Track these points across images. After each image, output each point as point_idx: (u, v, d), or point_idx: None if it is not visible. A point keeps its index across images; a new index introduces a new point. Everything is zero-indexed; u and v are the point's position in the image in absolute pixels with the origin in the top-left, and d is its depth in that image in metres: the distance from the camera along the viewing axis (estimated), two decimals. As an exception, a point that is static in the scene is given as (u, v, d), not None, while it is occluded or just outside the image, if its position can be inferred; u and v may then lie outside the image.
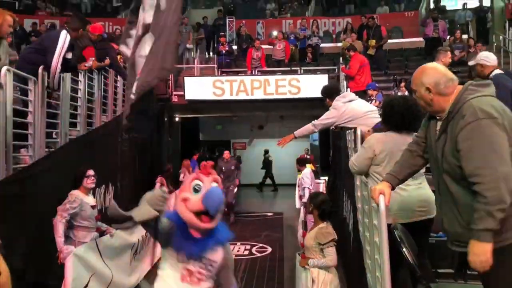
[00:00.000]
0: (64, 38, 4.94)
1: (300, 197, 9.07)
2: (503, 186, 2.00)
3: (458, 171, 2.18)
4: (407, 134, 3.09)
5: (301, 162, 9.54)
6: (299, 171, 9.79)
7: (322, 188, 10.16)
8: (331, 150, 12.89)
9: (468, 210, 2.17)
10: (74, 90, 6.11)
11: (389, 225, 2.91)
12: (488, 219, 2.02)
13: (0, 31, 4.33)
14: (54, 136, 5.57)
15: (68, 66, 5.19)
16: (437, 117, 2.34)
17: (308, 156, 13.67)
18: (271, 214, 12.24)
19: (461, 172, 2.16)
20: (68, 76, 5.70)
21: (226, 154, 10.79)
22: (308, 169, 9.55)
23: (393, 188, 2.52)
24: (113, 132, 7.83)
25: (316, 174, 10.93)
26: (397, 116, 3.14)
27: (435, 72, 2.32)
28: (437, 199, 2.45)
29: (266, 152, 17.53)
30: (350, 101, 4.76)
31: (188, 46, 12.25)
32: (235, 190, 10.90)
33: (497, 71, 4.61)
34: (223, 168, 10.37)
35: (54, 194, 4.82)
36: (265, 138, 18.27)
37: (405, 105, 3.15)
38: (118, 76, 8.16)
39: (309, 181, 8.97)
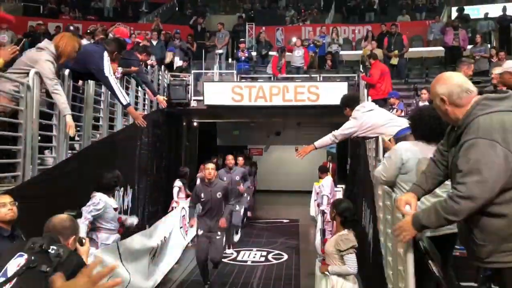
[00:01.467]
0: (107, 61, 4.96)
1: (318, 205, 9.03)
2: (467, 205, 2.08)
3: None
4: (435, 145, 3.06)
5: (322, 170, 9.50)
6: (320, 178, 9.75)
7: (340, 196, 10.12)
8: (349, 159, 12.83)
9: (481, 229, 2.16)
10: (98, 94, 6.20)
11: (413, 237, 2.89)
12: (435, 218, 2.18)
13: (69, 55, 4.44)
14: (77, 138, 5.66)
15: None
16: (456, 128, 2.30)
17: (331, 164, 13.62)
18: (287, 220, 12.21)
19: None
20: (92, 81, 5.79)
21: (229, 159, 8.42)
22: (329, 177, 9.51)
23: (418, 199, 2.49)
24: (133, 135, 7.93)
25: (334, 183, 10.89)
26: (426, 126, 3.10)
27: (450, 82, 2.28)
28: None
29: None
30: (370, 110, 4.73)
31: (218, 51, 12.24)
32: (242, 210, 9.03)
33: None
34: (225, 179, 7.92)
35: (76, 195, 4.89)
36: (282, 144, 18.27)
37: (434, 115, 3.12)
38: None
39: (328, 189, 8.92)
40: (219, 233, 6.23)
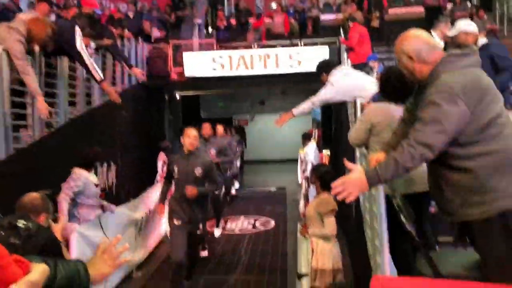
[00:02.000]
0: (79, 36, 4.87)
1: (303, 172, 9.11)
2: (422, 152, 2.07)
3: None
4: (404, 104, 3.06)
5: (306, 137, 9.53)
6: (304, 145, 9.80)
7: (325, 161, 10.21)
8: (333, 125, 12.86)
9: (448, 184, 2.20)
10: (73, 69, 6.07)
11: (389, 196, 2.92)
12: (393, 167, 2.10)
13: (41, 41, 4.33)
14: (54, 116, 5.57)
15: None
16: (421, 86, 2.29)
17: (316, 131, 13.64)
18: (275, 189, 12.31)
19: None
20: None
21: (205, 128, 7.83)
22: (313, 144, 9.56)
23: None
24: (113, 111, 7.82)
25: (319, 149, 10.95)
26: (393, 86, 3.10)
27: (417, 39, 2.27)
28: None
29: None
30: (345, 74, 4.71)
31: (197, 21, 11.92)
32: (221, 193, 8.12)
33: (483, 39, 4.55)
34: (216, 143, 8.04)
35: (55, 172, 4.85)
36: (267, 113, 18.23)
37: (401, 75, 3.11)
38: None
39: (312, 155, 8.98)
40: (200, 226, 5.04)
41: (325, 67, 4.84)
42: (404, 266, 2.97)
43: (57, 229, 2.90)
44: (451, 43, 4.42)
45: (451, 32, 4.46)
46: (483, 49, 4.83)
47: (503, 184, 2.09)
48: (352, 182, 2.13)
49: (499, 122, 2.12)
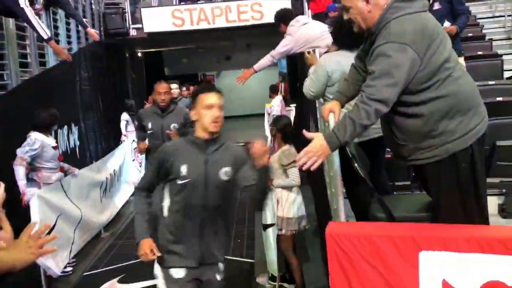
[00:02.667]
0: None
1: (270, 125, 9.13)
2: (377, 107, 2.04)
3: None
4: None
5: (273, 89, 9.48)
6: (271, 98, 9.76)
7: (292, 115, 10.23)
8: (299, 77, 12.82)
9: (400, 130, 2.23)
10: (21, 29, 5.77)
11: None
12: (351, 128, 2.07)
13: None
14: (5, 78, 5.34)
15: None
16: (370, 34, 2.23)
17: (282, 84, 13.59)
18: (242, 143, 12.31)
19: None
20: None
21: (161, 89, 8.32)
22: (279, 97, 9.53)
23: (342, 106, 2.51)
24: (70, 71, 7.55)
25: (286, 102, 10.94)
26: (347, 33, 3.05)
27: None
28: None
29: None
30: (304, 24, 4.65)
31: None
32: None
33: None
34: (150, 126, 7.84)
35: (11, 137, 4.71)
36: (233, 69, 18.00)
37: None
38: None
39: (278, 109, 8.97)
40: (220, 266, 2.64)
41: (283, 18, 4.76)
42: (361, 212, 3.06)
43: None
44: None
45: None
46: None
47: (452, 127, 2.13)
48: (314, 151, 2.11)
49: (448, 67, 2.12)
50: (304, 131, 2.24)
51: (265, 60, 4.84)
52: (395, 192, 3.66)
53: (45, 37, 4.57)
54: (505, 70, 5.70)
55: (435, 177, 2.24)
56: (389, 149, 3.40)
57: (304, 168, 2.13)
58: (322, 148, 2.11)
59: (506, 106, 4.47)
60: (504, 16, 7.47)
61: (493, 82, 5.03)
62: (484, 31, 7.22)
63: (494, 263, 1.96)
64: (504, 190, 3.81)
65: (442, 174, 2.19)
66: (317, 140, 2.13)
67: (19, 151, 4.41)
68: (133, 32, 10.26)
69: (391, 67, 2.03)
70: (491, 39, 6.78)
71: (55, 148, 4.81)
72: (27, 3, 4.44)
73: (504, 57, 5.98)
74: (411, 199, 3.09)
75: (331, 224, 2.39)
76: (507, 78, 5.47)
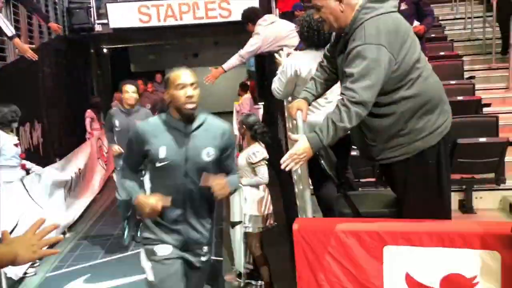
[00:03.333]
0: None
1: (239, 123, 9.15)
2: (358, 110, 2.06)
3: None
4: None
5: (243, 87, 9.48)
6: (240, 95, 9.77)
7: (260, 113, 10.27)
8: (266, 76, 12.87)
9: (370, 130, 2.27)
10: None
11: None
12: (333, 131, 2.09)
13: None
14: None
15: None
16: (342, 34, 2.26)
17: (249, 82, 13.62)
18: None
19: None
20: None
21: (158, 77, 10.63)
22: (248, 95, 9.55)
23: (309, 104, 2.54)
24: (32, 66, 7.32)
25: (255, 100, 10.97)
26: (314, 32, 3.08)
27: None
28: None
29: None
30: (271, 23, 4.68)
31: None
32: None
33: None
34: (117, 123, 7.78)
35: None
36: (201, 66, 17.87)
37: (321, 20, 3.10)
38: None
39: (248, 107, 8.99)
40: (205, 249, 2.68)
41: (250, 17, 4.78)
42: (327, 208, 3.11)
43: None
44: None
45: None
46: None
47: (420, 125, 2.19)
48: (298, 153, 2.13)
49: (419, 66, 2.17)
50: (289, 133, 2.30)
51: (234, 60, 4.85)
52: (360, 189, 3.74)
53: (9, 34, 4.43)
54: (465, 71, 5.90)
55: (402, 175, 2.29)
56: (354, 147, 3.49)
57: (287, 169, 2.15)
58: (305, 150, 2.13)
59: (466, 105, 4.63)
60: (464, 18, 7.72)
61: (454, 82, 5.20)
62: (445, 32, 7.44)
63: (454, 257, 2.03)
64: (464, 187, 3.95)
65: (409, 171, 2.25)
66: (301, 143, 2.14)
67: (-22, 148, 4.26)
68: (98, 28, 10.02)
69: (369, 69, 2.05)
70: (452, 40, 6.99)
71: (16, 145, 4.66)
72: None
73: (464, 58, 6.19)
74: (376, 195, 3.15)
75: (298, 220, 2.42)
76: (467, 78, 5.66)
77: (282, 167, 2.16)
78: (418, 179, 2.26)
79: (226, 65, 4.82)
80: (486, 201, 3.99)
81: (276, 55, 3.95)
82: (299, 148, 2.13)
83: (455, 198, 3.89)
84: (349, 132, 2.54)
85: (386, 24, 2.11)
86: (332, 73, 2.51)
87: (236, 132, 11.63)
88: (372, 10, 2.13)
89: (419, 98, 2.17)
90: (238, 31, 11.09)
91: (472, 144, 3.77)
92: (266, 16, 4.90)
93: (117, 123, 4.98)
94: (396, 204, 2.48)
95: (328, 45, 2.53)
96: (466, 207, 3.93)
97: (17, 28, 6.94)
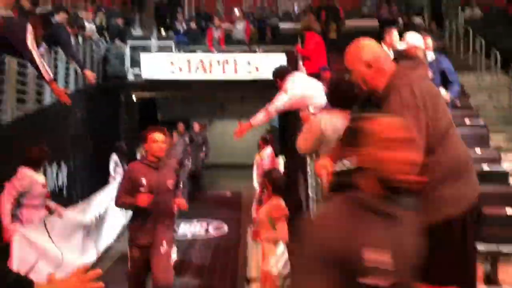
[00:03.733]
0: (30, 34, 4.65)
1: (260, 176, 9.17)
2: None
3: None
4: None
5: (264, 140, 9.59)
6: (261, 149, 9.86)
7: (281, 167, 10.30)
8: (290, 131, 13.02)
9: None
10: (21, 66, 5.87)
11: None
12: None
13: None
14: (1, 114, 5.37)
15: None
16: (373, 97, 2.30)
17: (267, 137, 13.77)
18: (230, 194, 12.31)
19: None
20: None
21: (196, 126, 11.46)
22: (269, 148, 9.63)
23: (335, 163, 2.57)
24: (65, 110, 7.61)
25: (276, 154, 11.04)
26: (342, 94, 3.17)
27: (372, 47, 2.29)
28: None
29: None
30: (300, 81, 4.81)
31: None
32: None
33: (431, 53, 4.79)
34: (194, 138, 10.77)
35: (2, 172, 4.67)
36: (226, 118, 18.20)
37: (349, 84, 3.19)
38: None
39: (268, 160, 9.05)
40: (164, 244, 3.90)
41: (280, 74, 4.92)
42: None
43: None
44: (399, 55, 4.60)
45: (400, 45, 4.65)
46: (434, 63, 5.09)
47: (446, 193, 2.17)
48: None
49: (449, 133, 2.20)
50: (316, 163, 2.26)
51: (262, 116, 4.93)
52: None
53: (48, 78, 4.65)
54: (491, 140, 5.88)
55: (426, 242, 2.25)
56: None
57: None
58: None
59: (492, 175, 4.58)
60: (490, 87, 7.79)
61: (479, 151, 5.17)
62: (470, 100, 7.49)
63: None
64: (489, 258, 3.84)
65: (433, 239, 2.21)
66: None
67: (8, 185, 4.36)
68: (130, 77, 10.44)
69: (415, 131, 2.04)
70: (478, 109, 7.02)
71: (43, 186, 4.77)
72: (34, 45, 4.56)
73: (489, 127, 6.19)
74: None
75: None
76: (493, 148, 5.63)
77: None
78: (442, 247, 2.22)
79: (254, 121, 4.90)
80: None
81: (303, 113, 4.03)
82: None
83: (480, 270, 3.77)
84: None
85: (420, 88, 2.15)
86: None
87: (256, 185, 11.69)
88: (405, 76, 2.19)
89: (448, 165, 2.17)
90: (265, 87, 11.40)
91: (499, 214, 3.70)
92: (296, 74, 5.05)
93: (143, 181, 3.93)
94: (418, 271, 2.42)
95: (356, 106, 2.59)
96: (491, 279, 3.80)
97: (55, 73, 7.30)
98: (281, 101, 4.86)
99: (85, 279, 1.51)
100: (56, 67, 7.35)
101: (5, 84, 5.29)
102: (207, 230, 8.25)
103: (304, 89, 4.72)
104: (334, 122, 3.22)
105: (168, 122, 17.70)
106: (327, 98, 3.41)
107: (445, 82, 5.32)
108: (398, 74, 2.20)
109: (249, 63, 10.47)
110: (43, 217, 4.75)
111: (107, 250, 6.94)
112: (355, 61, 2.28)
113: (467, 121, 6.19)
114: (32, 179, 4.56)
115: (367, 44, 2.31)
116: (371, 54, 2.25)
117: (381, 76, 2.23)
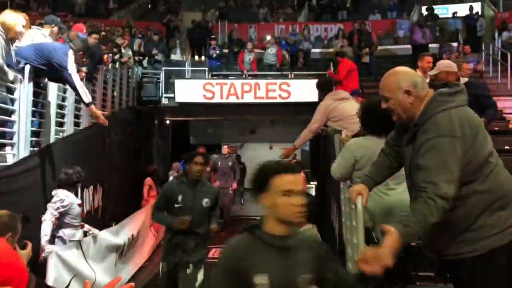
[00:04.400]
0: (72, 58, 4.83)
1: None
2: (441, 206, 1.98)
3: None
4: (386, 137, 3.09)
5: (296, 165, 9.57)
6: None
7: (312, 192, 10.20)
8: (321, 155, 12.94)
9: (439, 223, 2.12)
10: (62, 90, 6.09)
11: (369, 229, 2.93)
12: (423, 225, 1.99)
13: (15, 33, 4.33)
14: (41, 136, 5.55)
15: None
16: (410, 125, 2.24)
17: (294, 161, 13.70)
18: (257, 216, 12.21)
19: None
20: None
21: (225, 148, 10.37)
22: (301, 173, 9.59)
23: (370, 189, 2.53)
24: (101, 133, 7.81)
25: (307, 179, 10.95)
26: (375, 119, 3.12)
27: (409, 74, 2.24)
28: (411, 204, 2.45)
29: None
30: (341, 99, 4.80)
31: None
32: (231, 191, 10.24)
33: (465, 78, 4.69)
34: (219, 163, 9.97)
35: (38, 192, 4.81)
36: (256, 142, 18.28)
37: (380, 107, 3.15)
38: (108, 76, 8.17)
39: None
40: (190, 266, 4.13)
41: (321, 87, 4.97)
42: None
43: (23, 254, 2.74)
44: (432, 81, 4.54)
45: (432, 72, 4.58)
46: (467, 88, 4.97)
47: (492, 222, 2.10)
48: (387, 254, 1.93)
49: (491, 161, 2.14)
50: (382, 225, 2.11)
51: (304, 136, 4.98)
52: (417, 283, 3.54)
53: (87, 101, 4.81)
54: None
55: (469, 273, 2.15)
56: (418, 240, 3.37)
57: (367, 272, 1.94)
58: (393, 249, 1.96)
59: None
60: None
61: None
62: (510, 126, 7.27)
63: None
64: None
65: (476, 270, 2.13)
66: (391, 240, 1.97)
67: (49, 206, 4.48)
68: (164, 101, 10.68)
69: (447, 163, 2.02)
70: (517, 134, 6.80)
71: (80, 205, 4.88)
72: (75, 70, 4.74)
73: (530, 153, 5.96)
74: (436, 291, 2.98)
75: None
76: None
77: (360, 268, 1.96)
78: (486, 279, 2.12)
79: (298, 142, 4.98)
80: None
81: (339, 136, 4.01)
82: (388, 248, 1.95)
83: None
84: None
85: (458, 116, 2.11)
86: (395, 161, 2.51)
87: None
88: (443, 103, 2.14)
89: (491, 194, 2.10)
90: (295, 112, 11.47)
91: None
92: (338, 91, 5.06)
93: (180, 198, 4.20)
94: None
95: (392, 133, 2.55)
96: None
97: (93, 98, 7.53)
98: (317, 120, 4.89)
99: None
100: (94, 92, 7.59)
101: (46, 108, 5.48)
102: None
103: (343, 110, 4.72)
104: (368, 148, 3.18)
105: (200, 146, 17.97)
106: (360, 122, 3.38)
107: (480, 106, 5.19)
108: (435, 101, 2.16)
109: (280, 88, 10.55)
110: (80, 238, 4.84)
111: (138, 272, 6.99)
112: (392, 89, 2.23)
113: (507, 147, 6.00)
114: (72, 199, 4.68)
115: (405, 71, 2.27)
116: (409, 81, 2.20)
117: (419, 102, 2.19)
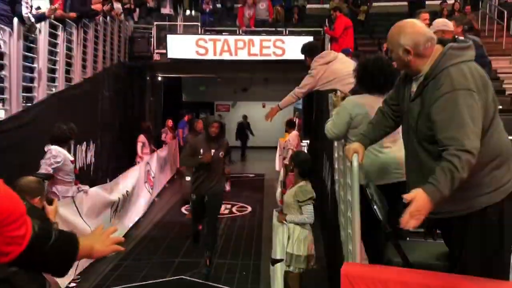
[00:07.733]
0: None
1: (284, 159, 9.17)
2: (465, 159, 1.96)
3: (429, 139, 2.15)
4: (382, 96, 3.08)
5: (290, 124, 9.59)
6: (287, 132, 9.86)
7: (305, 151, 10.27)
8: (314, 114, 12.93)
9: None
10: (53, 45, 5.95)
11: (363, 186, 2.96)
12: (453, 182, 1.97)
13: None
14: (32, 91, 5.46)
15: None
16: (413, 78, 2.25)
17: (297, 119, 13.72)
18: (253, 175, 12.36)
19: (431, 140, 2.12)
20: (46, 29, 5.52)
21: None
22: (295, 132, 9.63)
23: (365, 148, 2.54)
24: (93, 89, 7.72)
25: (300, 138, 11.01)
26: (370, 78, 3.10)
27: (414, 31, 2.19)
28: (406, 162, 2.46)
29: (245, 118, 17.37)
30: (329, 62, 4.72)
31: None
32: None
33: (461, 37, 4.63)
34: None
35: (32, 148, 4.79)
36: (249, 100, 18.21)
37: (377, 66, 3.11)
38: (99, 31, 7.98)
39: (294, 143, 9.05)
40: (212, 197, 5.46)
41: (309, 51, 4.86)
42: (375, 254, 3.04)
43: (50, 210, 3.01)
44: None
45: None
46: None
47: (486, 181, 2.12)
48: (420, 209, 1.98)
49: (496, 118, 2.13)
50: (404, 195, 2.10)
51: (289, 98, 4.93)
52: (408, 238, 3.63)
53: None
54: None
55: (461, 230, 2.20)
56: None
57: (409, 228, 2.03)
58: (425, 205, 1.98)
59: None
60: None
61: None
62: (504, 86, 7.28)
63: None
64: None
65: (469, 227, 2.16)
66: (420, 199, 1.99)
67: (43, 163, 4.47)
68: (156, 57, 10.49)
69: (466, 116, 1.99)
70: (511, 94, 6.82)
71: (72, 162, 4.87)
72: None
73: (523, 113, 6.00)
74: (426, 247, 3.06)
75: (346, 264, 2.39)
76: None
77: (403, 226, 2.05)
78: (477, 237, 2.17)
79: (282, 103, 4.92)
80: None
81: (333, 96, 3.98)
82: (419, 205, 1.98)
83: None
84: (411, 182, 2.48)
85: (470, 70, 2.08)
86: (392, 120, 2.51)
87: (277, 168, 11.71)
88: (455, 57, 2.11)
89: (488, 152, 2.10)
90: (289, 69, 11.34)
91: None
92: (324, 53, 4.94)
93: (202, 151, 5.38)
94: (447, 258, 2.40)
95: (391, 91, 2.54)
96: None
97: (84, 52, 7.39)
98: (308, 85, 4.81)
99: (107, 232, 1.59)
100: (85, 46, 7.43)
101: (36, 62, 5.37)
102: (230, 211, 8.33)
103: (333, 72, 4.65)
104: (363, 107, 3.18)
105: (192, 103, 17.89)
106: (356, 81, 3.35)
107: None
108: (447, 55, 2.12)
109: (275, 45, 10.38)
110: (74, 192, 4.87)
111: (133, 227, 7.09)
112: (394, 43, 2.22)
113: (500, 107, 6.03)
114: (65, 156, 4.67)
115: (411, 28, 2.21)
116: (411, 40, 2.17)
117: (420, 60, 2.17)
